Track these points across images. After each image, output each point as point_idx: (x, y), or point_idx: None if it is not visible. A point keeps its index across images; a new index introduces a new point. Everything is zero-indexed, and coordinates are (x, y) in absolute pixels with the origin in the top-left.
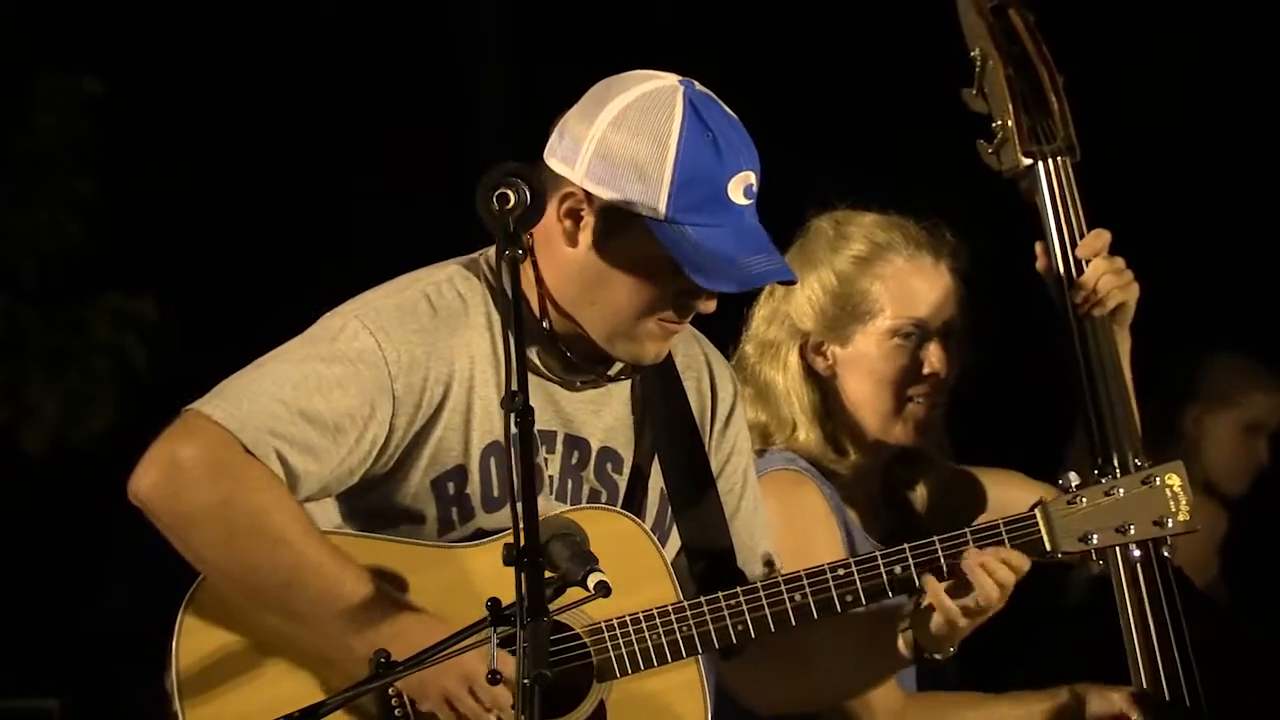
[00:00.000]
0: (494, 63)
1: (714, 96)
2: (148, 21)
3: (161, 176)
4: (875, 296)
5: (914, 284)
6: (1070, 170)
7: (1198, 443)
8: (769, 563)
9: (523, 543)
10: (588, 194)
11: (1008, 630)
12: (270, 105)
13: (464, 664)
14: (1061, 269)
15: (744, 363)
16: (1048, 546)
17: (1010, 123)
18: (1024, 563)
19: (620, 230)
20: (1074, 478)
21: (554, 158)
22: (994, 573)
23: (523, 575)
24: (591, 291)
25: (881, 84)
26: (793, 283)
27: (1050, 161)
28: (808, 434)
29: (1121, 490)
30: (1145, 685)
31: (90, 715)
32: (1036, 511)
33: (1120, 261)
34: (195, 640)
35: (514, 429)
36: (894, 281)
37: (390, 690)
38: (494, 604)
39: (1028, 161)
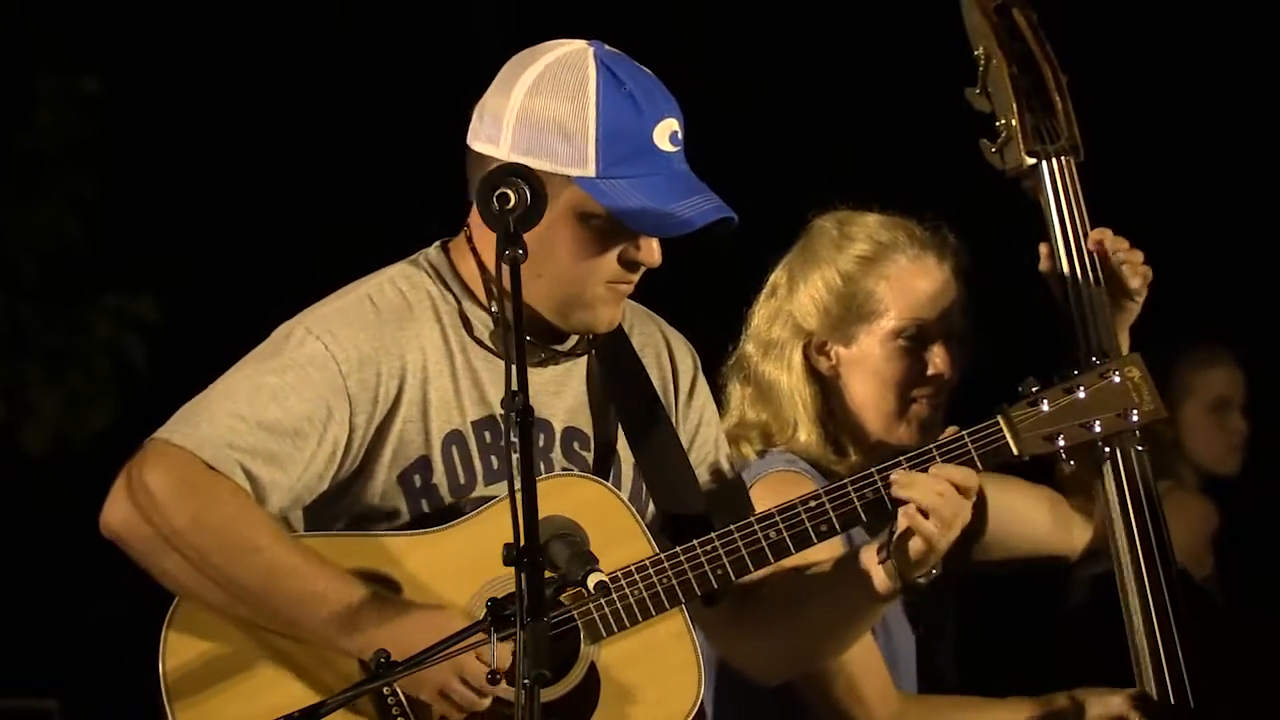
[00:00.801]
0: (494, 63)
1: (623, 55)
2: (148, 21)
3: (162, 176)
4: (880, 297)
5: (918, 284)
6: (1074, 170)
7: (1180, 442)
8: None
9: (523, 543)
10: None
11: (1008, 631)
12: (270, 105)
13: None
14: (1065, 268)
15: (745, 362)
16: (1015, 450)
17: (1014, 122)
18: (969, 478)
19: (554, 196)
20: (1032, 381)
21: (477, 140)
22: (943, 494)
23: (523, 575)
24: (536, 265)
25: (884, 83)
26: (733, 220)
27: (1054, 161)
28: (809, 434)
29: (1081, 388)
30: (1148, 670)
31: (89, 715)
32: (998, 417)
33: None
34: (181, 657)
35: (513, 429)
36: (898, 282)
37: (388, 696)
38: (493, 604)
39: (1031, 161)
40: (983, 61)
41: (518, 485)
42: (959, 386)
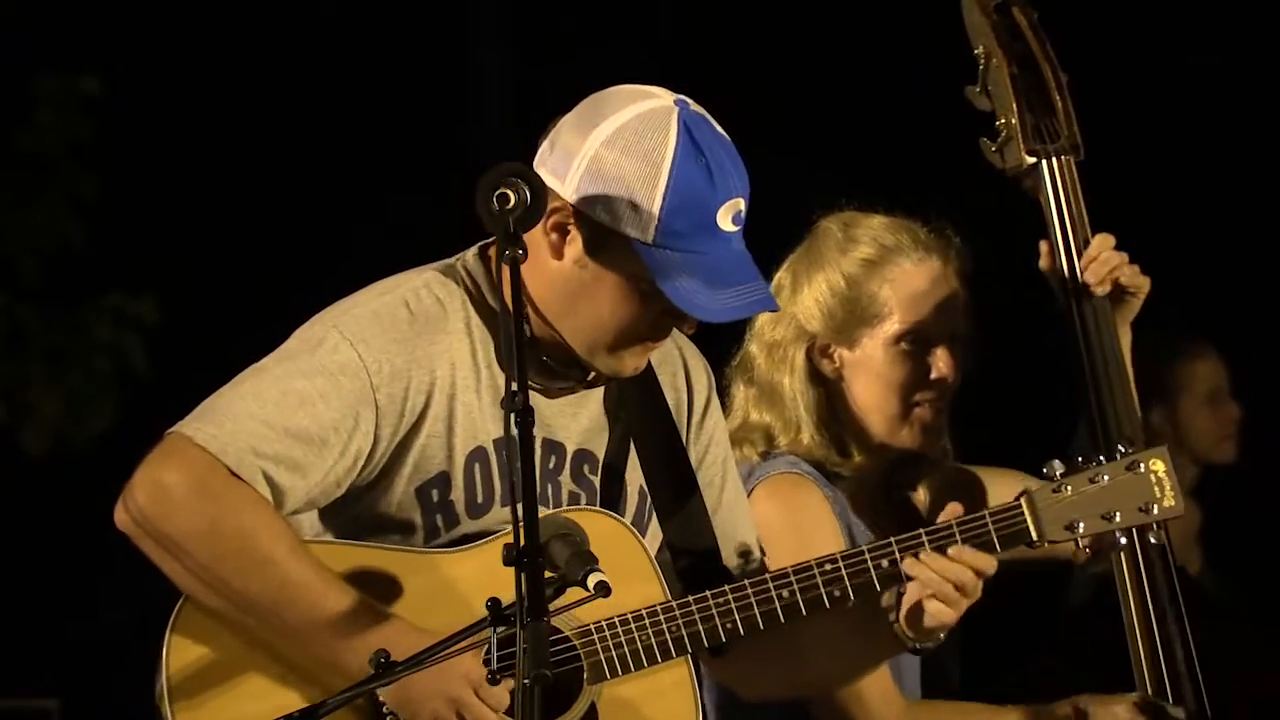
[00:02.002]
0: (494, 63)
1: (708, 117)
2: (148, 21)
3: (162, 176)
4: (883, 301)
5: (921, 288)
6: (1074, 169)
7: (1176, 437)
8: (751, 556)
9: (523, 543)
10: (576, 210)
11: (1011, 630)
12: (270, 105)
13: (451, 687)
14: (1065, 267)
15: (749, 363)
16: (1034, 535)
17: (1014, 121)
18: (988, 563)
19: (606, 249)
20: (1058, 465)
21: (544, 169)
22: (957, 582)
23: (523, 575)
24: (574, 304)
25: (885, 82)
26: (776, 311)
27: (1054, 160)
28: (812, 436)
29: (1106, 477)
30: (1149, 683)
31: (89, 715)
32: (1022, 501)
33: (1125, 257)
34: (184, 659)
35: (514, 429)
36: (902, 286)
37: (383, 703)
38: (494, 604)
39: (1031, 160)
40: (983, 60)
41: (517, 486)
42: (962, 388)
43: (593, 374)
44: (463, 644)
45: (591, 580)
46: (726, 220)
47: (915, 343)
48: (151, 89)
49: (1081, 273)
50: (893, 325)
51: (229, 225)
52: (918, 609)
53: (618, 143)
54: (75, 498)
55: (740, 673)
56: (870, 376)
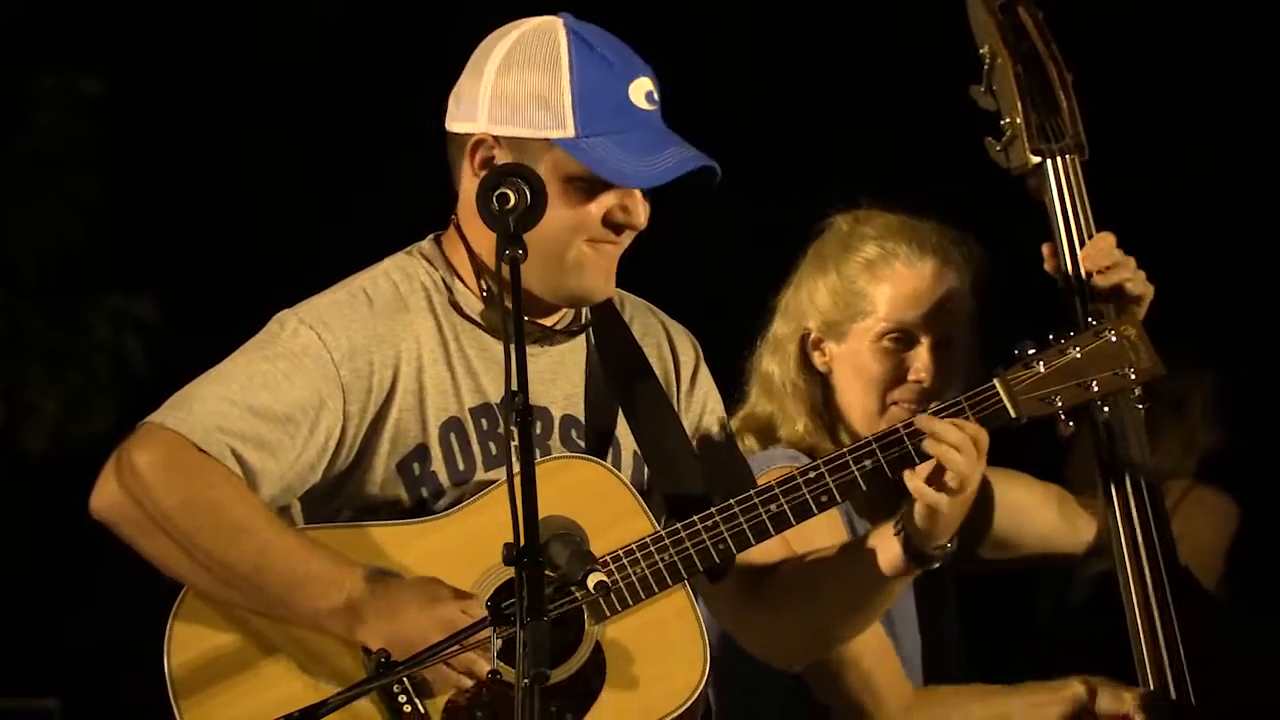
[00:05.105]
0: None
1: (592, 25)
2: (148, 21)
3: (161, 176)
4: (871, 298)
5: (908, 290)
6: (1079, 168)
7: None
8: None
9: (523, 543)
10: (495, 138)
11: (1012, 630)
12: (270, 105)
13: (445, 619)
14: (1069, 268)
15: (761, 350)
16: (1012, 413)
17: (1019, 120)
18: (979, 430)
19: (535, 162)
20: (1028, 343)
21: (454, 123)
22: (945, 437)
23: (523, 575)
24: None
25: (890, 80)
26: (712, 170)
27: (1059, 160)
28: (806, 427)
29: (1077, 349)
30: (1149, 682)
31: (89, 715)
32: (995, 381)
33: (1131, 261)
34: (187, 648)
35: (512, 429)
36: (891, 285)
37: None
38: (494, 604)
39: (1036, 160)
40: (988, 59)
41: (517, 485)
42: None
43: (564, 320)
44: (466, 643)
45: (592, 580)
46: (640, 98)
47: (896, 342)
48: (151, 89)
49: (1082, 263)
50: (876, 323)
51: (229, 225)
52: (922, 504)
53: (513, 62)
54: (75, 498)
55: (761, 625)
56: (853, 371)
